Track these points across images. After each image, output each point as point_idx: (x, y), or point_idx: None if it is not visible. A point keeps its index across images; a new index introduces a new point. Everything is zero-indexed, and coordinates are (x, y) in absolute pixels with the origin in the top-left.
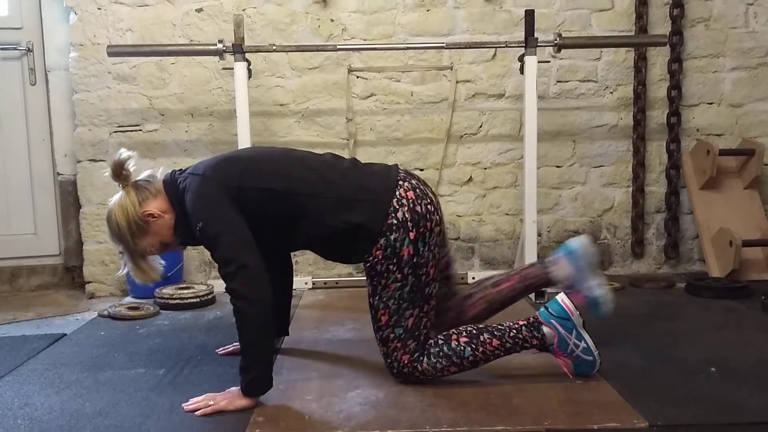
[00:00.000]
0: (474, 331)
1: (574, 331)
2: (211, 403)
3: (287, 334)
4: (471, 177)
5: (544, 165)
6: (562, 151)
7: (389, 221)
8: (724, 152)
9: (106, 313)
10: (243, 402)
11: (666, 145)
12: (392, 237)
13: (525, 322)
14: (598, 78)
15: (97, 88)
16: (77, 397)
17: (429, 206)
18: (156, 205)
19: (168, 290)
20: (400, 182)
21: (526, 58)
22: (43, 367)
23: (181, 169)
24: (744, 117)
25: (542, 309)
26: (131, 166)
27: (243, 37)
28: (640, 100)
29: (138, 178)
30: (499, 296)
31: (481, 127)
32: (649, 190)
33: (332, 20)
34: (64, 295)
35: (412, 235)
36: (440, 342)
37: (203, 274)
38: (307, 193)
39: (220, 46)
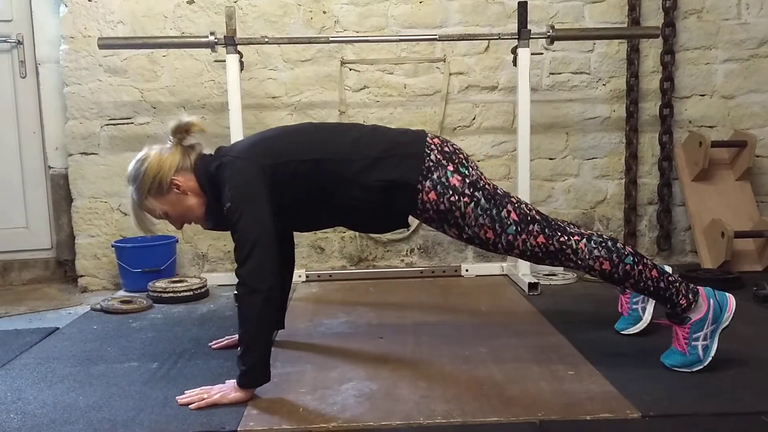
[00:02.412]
0: (641, 254)
1: (716, 327)
2: (205, 396)
3: (282, 327)
4: None
5: (537, 157)
6: (555, 143)
7: (426, 164)
8: (716, 144)
9: (98, 306)
10: (237, 395)
11: (658, 137)
12: (435, 176)
13: (687, 282)
14: (591, 70)
15: (88, 81)
16: (70, 391)
17: (454, 146)
18: (186, 180)
19: (161, 284)
20: (427, 134)
21: (519, 50)
22: (35, 361)
23: (210, 153)
24: (736, 109)
25: (709, 288)
26: (193, 134)
27: (235, 30)
28: (632, 92)
29: (192, 143)
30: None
31: (474, 119)
32: (641, 182)
33: (324, 12)
34: (56, 289)
35: (450, 167)
36: (606, 237)
37: (196, 268)
38: (341, 158)
39: (211, 38)
